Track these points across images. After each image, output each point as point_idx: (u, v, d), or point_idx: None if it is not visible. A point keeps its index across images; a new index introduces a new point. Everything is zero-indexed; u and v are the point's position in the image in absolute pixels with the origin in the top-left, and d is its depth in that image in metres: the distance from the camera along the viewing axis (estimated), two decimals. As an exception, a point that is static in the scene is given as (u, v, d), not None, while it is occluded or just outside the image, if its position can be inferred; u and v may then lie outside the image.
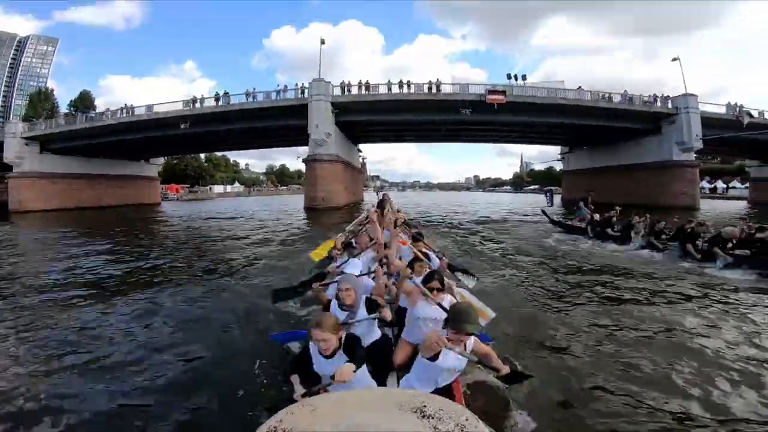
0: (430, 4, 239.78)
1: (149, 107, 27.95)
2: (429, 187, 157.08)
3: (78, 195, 33.72)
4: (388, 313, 2.83)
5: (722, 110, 28.64)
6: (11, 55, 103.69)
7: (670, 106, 27.62)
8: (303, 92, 25.81)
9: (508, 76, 27.41)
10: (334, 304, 2.95)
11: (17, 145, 30.88)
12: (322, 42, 27.14)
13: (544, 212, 16.51)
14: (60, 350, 4.34)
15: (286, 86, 26.00)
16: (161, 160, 44.62)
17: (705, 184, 56.78)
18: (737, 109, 28.32)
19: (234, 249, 11.65)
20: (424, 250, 4.63)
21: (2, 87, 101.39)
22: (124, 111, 28.55)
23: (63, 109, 55.30)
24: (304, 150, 31.37)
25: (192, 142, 33.70)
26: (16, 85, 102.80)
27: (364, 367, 2.26)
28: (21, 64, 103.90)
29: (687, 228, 9.10)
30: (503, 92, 25.23)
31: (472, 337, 2.35)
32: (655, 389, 3.30)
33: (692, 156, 27.70)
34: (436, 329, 2.58)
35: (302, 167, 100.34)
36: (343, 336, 2.22)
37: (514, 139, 37.37)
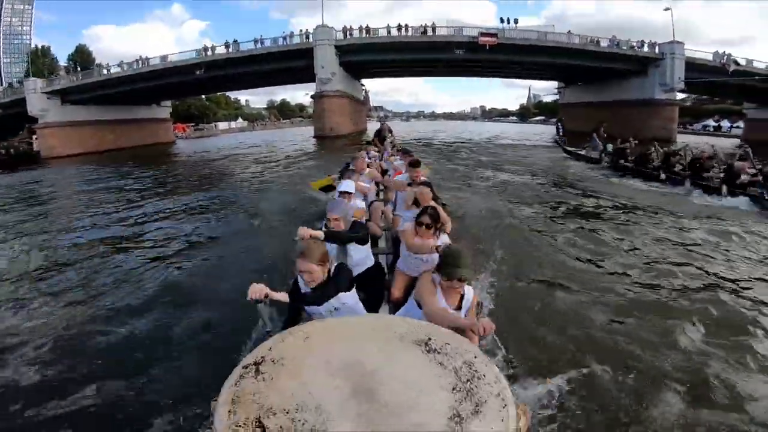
0: None
1: (163, 57, 30.46)
2: (434, 116, 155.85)
3: (99, 139, 36.73)
4: (376, 229, 2.86)
5: (709, 57, 30.59)
6: None
7: (657, 51, 29.59)
8: (308, 37, 28.03)
9: (501, 20, 29.24)
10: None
11: (40, 99, 33.91)
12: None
13: (557, 142, 17.54)
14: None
15: (292, 33, 28.35)
16: (170, 102, 47.00)
17: (711, 122, 58.94)
18: (724, 57, 30.27)
19: (271, 166, 16.25)
20: (421, 177, 4.38)
21: None
22: (140, 62, 30.95)
23: (62, 63, 57.13)
24: (312, 87, 34.17)
25: (204, 85, 36.36)
26: (1, 45, 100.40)
27: (354, 293, 2.23)
28: (1, 24, 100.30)
29: (699, 161, 9.29)
30: (495, 34, 27.30)
31: (470, 290, 2.20)
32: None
33: (674, 95, 30.26)
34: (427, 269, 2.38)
35: (304, 101, 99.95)
36: (332, 268, 2.15)
37: (506, 75, 39.44)
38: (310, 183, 7.11)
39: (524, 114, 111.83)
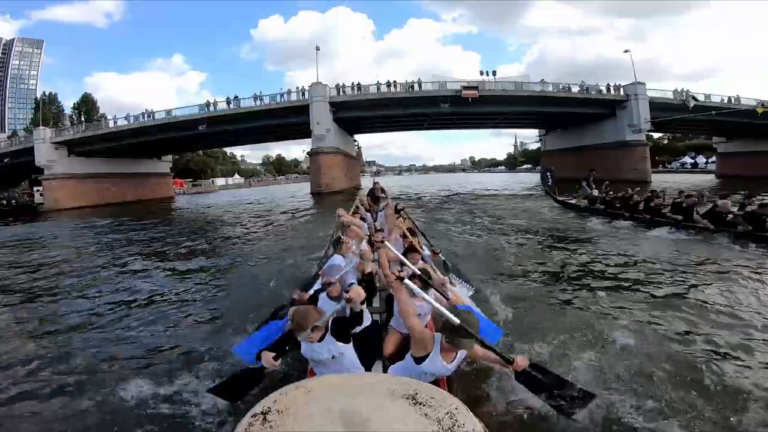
0: None
1: (168, 111, 32.94)
2: (425, 170, 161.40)
3: (103, 192, 38.14)
4: (359, 294, 2.72)
5: (670, 95, 33.56)
6: None
7: (622, 93, 32.56)
8: (303, 93, 30.70)
9: (481, 72, 32.45)
10: (322, 299, 3.12)
11: (48, 150, 35.28)
12: (318, 48, 32.06)
13: (548, 192, 17.37)
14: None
15: (289, 90, 31.09)
16: (170, 157, 49.27)
17: (687, 159, 62.48)
18: (683, 93, 33.28)
19: (270, 221, 17.00)
20: (401, 225, 4.69)
21: None
22: (145, 115, 33.34)
23: (67, 111, 60.15)
24: (307, 143, 36.26)
25: (205, 139, 38.71)
26: (7, 90, 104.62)
27: (353, 350, 2.49)
28: (9, 68, 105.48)
29: (683, 203, 9.53)
30: (476, 87, 30.17)
31: (463, 352, 2.35)
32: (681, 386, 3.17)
33: (642, 136, 32.80)
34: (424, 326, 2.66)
35: (298, 156, 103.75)
36: (330, 321, 2.39)
37: (490, 126, 42.57)
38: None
39: (512, 163, 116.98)
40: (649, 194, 11.04)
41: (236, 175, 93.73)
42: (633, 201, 11.17)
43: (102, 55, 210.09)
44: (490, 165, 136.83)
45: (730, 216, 8.37)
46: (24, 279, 8.70)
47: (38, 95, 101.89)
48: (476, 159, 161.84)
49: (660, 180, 31.83)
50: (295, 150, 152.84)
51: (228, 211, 23.58)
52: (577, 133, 38.17)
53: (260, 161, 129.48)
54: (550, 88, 31.83)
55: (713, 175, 44.49)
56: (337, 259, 4.16)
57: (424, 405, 1.47)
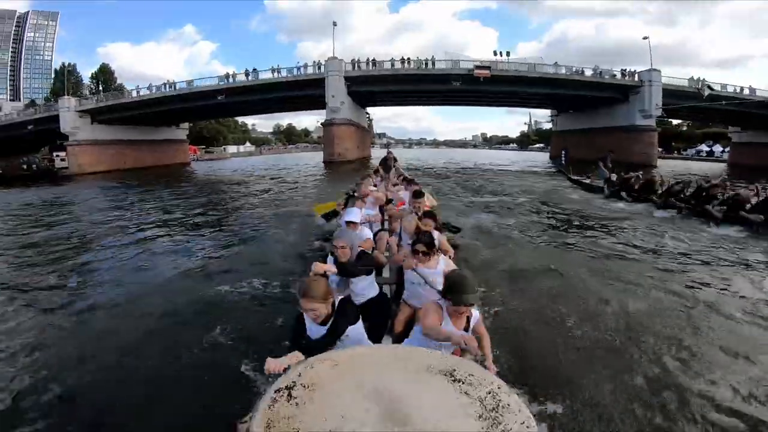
0: None
1: (189, 82, 34.28)
2: (435, 144, 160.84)
3: (124, 158, 39.97)
4: (381, 258, 3.02)
5: (685, 83, 33.88)
6: (13, 32, 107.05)
7: (636, 78, 32.95)
8: (320, 67, 31.74)
9: (494, 53, 33.00)
10: (330, 261, 3.01)
11: (72, 118, 37.09)
12: (335, 24, 32.71)
13: (561, 171, 17.64)
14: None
15: (305, 64, 32.31)
16: (186, 125, 50.75)
17: (704, 147, 62.19)
18: (699, 82, 33.57)
19: (289, 186, 18.79)
20: (425, 207, 4.61)
21: (8, 64, 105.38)
22: (167, 86, 34.70)
23: (85, 81, 61.57)
24: (320, 114, 37.54)
25: (223, 109, 40.09)
26: (23, 61, 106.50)
27: (360, 324, 2.33)
28: (24, 40, 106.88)
29: (704, 190, 9.51)
30: (488, 67, 30.85)
31: (476, 312, 2.31)
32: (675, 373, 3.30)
33: (653, 122, 33.38)
34: (431, 296, 2.60)
35: (309, 126, 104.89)
36: (336, 301, 2.24)
37: (501, 104, 43.15)
38: (314, 207, 7.06)
39: (524, 141, 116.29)
40: (673, 181, 11.06)
41: (247, 143, 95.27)
42: (654, 186, 11.24)
43: (115, 26, 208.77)
44: (502, 142, 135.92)
45: (748, 206, 8.31)
46: (67, 233, 10.02)
47: (54, 66, 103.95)
48: (488, 135, 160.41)
49: (666, 165, 32.68)
50: (305, 120, 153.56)
51: (250, 175, 25.64)
52: (589, 115, 38.69)
53: (271, 130, 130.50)
54: (563, 71, 32.36)
55: (725, 164, 45.12)
56: (351, 212, 3.94)
57: (463, 383, 1.39)
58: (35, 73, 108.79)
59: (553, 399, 2.98)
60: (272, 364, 1.81)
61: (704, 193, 9.56)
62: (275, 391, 1.34)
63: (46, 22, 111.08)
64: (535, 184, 18.56)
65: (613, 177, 13.38)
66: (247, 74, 33.01)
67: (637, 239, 7.84)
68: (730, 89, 34.97)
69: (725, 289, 5.25)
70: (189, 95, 33.91)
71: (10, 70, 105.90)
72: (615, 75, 33.28)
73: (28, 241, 9.21)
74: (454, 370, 1.44)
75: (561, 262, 6.39)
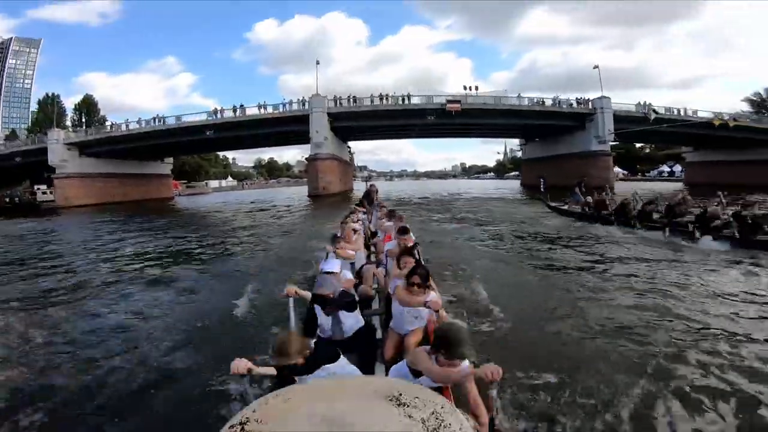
0: None
1: (178, 117, 36.64)
2: (416, 175, 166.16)
3: (110, 191, 41.10)
4: (371, 291, 3.30)
5: (633, 108, 38.17)
6: None
7: (590, 106, 37.09)
8: (304, 104, 34.67)
9: (464, 87, 36.89)
10: (317, 310, 3.19)
11: (60, 151, 38.29)
12: (317, 63, 36.22)
13: (540, 198, 18.22)
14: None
15: (291, 101, 35.06)
16: (171, 159, 52.58)
17: (665, 168, 67.62)
18: (645, 106, 37.95)
19: (276, 220, 20.42)
20: (410, 243, 4.74)
21: None
22: (156, 120, 36.99)
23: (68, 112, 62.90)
24: (302, 148, 39.97)
25: (210, 144, 42.34)
26: (2, 88, 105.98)
27: (342, 360, 2.45)
28: (6, 67, 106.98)
29: (673, 208, 10.03)
30: (459, 101, 34.44)
31: (465, 364, 2.18)
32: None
33: (607, 147, 37.24)
34: (421, 327, 3.06)
35: (290, 160, 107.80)
36: (312, 345, 2.38)
37: (474, 136, 47.12)
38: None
39: (500, 170, 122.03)
40: (645, 201, 11.82)
41: (229, 178, 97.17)
42: (627, 208, 11.86)
43: (94, 56, 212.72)
44: (480, 171, 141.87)
45: (718, 221, 8.88)
46: (53, 264, 10.43)
47: (33, 95, 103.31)
48: (467, 165, 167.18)
49: (623, 188, 35.99)
50: (286, 154, 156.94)
51: (237, 211, 27.25)
52: (553, 143, 42.53)
53: (252, 164, 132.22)
54: (526, 102, 36.31)
55: (681, 183, 49.58)
56: (329, 263, 4.06)
57: (408, 406, 1.48)
58: (14, 100, 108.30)
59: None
60: (238, 364, 2.10)
61: (674, 211, 10.12)
62: (229, 427, 1.42)
63: (27, 50, 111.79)
64: (515, 211, 19.37)
65: (589, 200, 14.09)
66: (234, 110, 35.63)
67: (623, 259, 8.19)
68: (674, 112, 39.30)
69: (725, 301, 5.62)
70: (178, 130, 36.17)
71: None
72: (572, 104, 37.29)
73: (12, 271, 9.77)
74: (400, 395, 1.54)
75: (550, 284, 6.76)
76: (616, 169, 76.14)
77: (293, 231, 15.26)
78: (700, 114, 39.31)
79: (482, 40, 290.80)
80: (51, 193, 59.13)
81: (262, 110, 35.29)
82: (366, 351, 3.05)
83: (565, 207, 15.64)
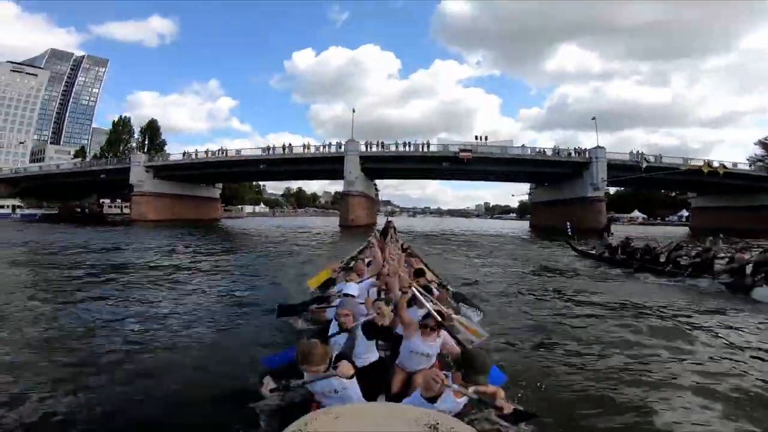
0: (442, 30, 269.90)
1: (238, 151, 46.81)
2: (439, 213, 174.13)
3: (172, 210, 50.02)
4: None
5: (626, 157, 44.48)
6: (67, 74, 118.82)
7: (587, 156, 44.05)
8: (340, 146, 43.87)
9: (476, 137, 45.37)
10: (333, 326, 3.49)
11: (140, 172, 48.15)
12: (353, 111, 45.56)
13: (569, 243, 18.32)
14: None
15: (330, 143, 44.57)
16: (220, 185, 62.74)
17: (684, 212, 71.77)
18: (638, 155, 44.45)
19: (320, 237, 28.65)
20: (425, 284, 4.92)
21: (56, 106, 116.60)
22: (221, 152, 47.11)
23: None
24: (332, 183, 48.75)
25: (260, 174, 52.31)
26: (69, 105, 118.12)
27: (355, 382, 2.65)
28: (75, 84, 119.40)
29: (703, 255, 10.48)
30: (470, 150, 42.73)
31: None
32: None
33: (601, 193, 43.62)
34: (428, 366, 3.18)
35: (317, 190, 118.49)
36: (333, 357, 2.62)
37: (484, 179, 55.30)
38: (308, 282, 7.30)
39: (524, 210, 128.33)
40: (673, 246, 12.14)
41: (261, 204, 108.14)
42: (654, 253, 12.35)
43: (146, 75, 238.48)
44: (503, 212, 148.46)
45: (749, 268, 9.15)
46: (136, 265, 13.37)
47: (95, 112, 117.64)
48: (490, 205, 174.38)
49: (620, 230, 41.97)
50: (313, 184, 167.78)
51: (287, 232, 35.46)
52: (557, 188, 49.22)
53: (281, 192, 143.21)
54: (528, 152, 44.20)
55: (688, 228, 54.28)
56: (349, 287, 4.69)
57: None
58: (78, 117, 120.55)
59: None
60: (266, 385, 2.40)
61: (701, 258, 10.57)
62: None
63: (96, 68, 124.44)
64: (539, 253, 19.92)
65: (612, 243, 14.70)
66: (283, 148, 45.37)
67: (656, 310, 7.92)
68: (666, 161, 44.83)
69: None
70: (238, 161, 46.16)
71: (56, 113, 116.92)
72: (570, 153, 44.40)
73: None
74: (438, 424, 1.71)
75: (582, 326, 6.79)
76: (636, 213, 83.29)
77: (336, 243, 22.97)
78: (692, 162, 44.97)
79: (511, 76, 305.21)
80: (115, 207, 70.78)
81: (306, 150, 44.81)
82: (375, 384, 3.22)
83: (592, 251, 16.12)
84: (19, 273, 11.26)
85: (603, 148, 44.02)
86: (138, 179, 48.44)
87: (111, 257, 15.28)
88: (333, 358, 2.59)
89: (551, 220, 47.45)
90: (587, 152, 44.31)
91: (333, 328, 3.57)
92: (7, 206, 54.39)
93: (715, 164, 43.07)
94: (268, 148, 46.01)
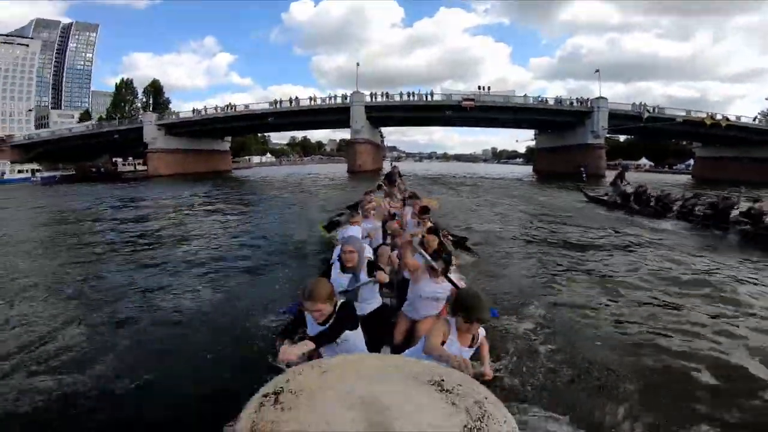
0: None
1: (246, 106, 48.50)
2: (446, 158, 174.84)
3: (185, 164, 51.99)
4: (384, 276, 3.16)
5: (628, 107, 45.96)
6: (57, 41, 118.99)
7: (589, 105, 45.38)
8: (346, 98, 45.32)
9: (478, 87, 46.30)
10: (336, 266, 3.35)
11: (152, 130, 50.16)
12: (357, 64, 46.48)
13: (581, 189, 18.78)
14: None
15: (335, 95, 45.86)
16: (229, 138, 64.59)
17: (692, 161, 72.78)
18: (641, 106, 45.79)
19: (333, 182, 31.48)
20: (430, 224, 4.79)
21: (51, 73, 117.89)
22: (229, 108, 48.80)
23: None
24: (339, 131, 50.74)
25: (268, 127, 54.32)
26: (65, 71, 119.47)
27: (360, 332, 2.57)
28: (67, 50, 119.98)
29: (722, 204, 10.50)
30: (473, 99, 44.03)
31: (482, 330, 2.50)
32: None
33: (602, 140, 45.51)
34: (436, 313, 3.12)
35: (322, 139, 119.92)
36: (338, 303, 2.48)
37: (487, 126, 56.79)
38: (319, 226, 7.53)
39: (531, 155, 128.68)
40: (686, 196, 12.34)
41: (268, 155, 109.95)
42: (668, 201, 12.58)
43: (139, 36, 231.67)
44: (510, 157, 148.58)
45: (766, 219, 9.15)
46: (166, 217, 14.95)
47: (92, 76, 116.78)
48: (498, 150, 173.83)
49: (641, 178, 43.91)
50: (317, 133, 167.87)
51: (301, 179, 38.36)
52: (560, 135, 50.93)
53: (286, 141, 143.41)
54: (531, 101, 45.37)
55: (690, 176, 56.19)
56: (351, 229, 4.75)
57: (451, 392, 1.46)
58: (76, 82, 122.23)
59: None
60: (286, 353, 2.05)
61: (719, 207, 10.56)
62: (263, 396, 1.44)
63: (87, 34, 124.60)
64: (554, 199, 20.37)
65: (629, 189, 14.79)
66: (290, 101, 46.98)
67: (666, 255, 8.17)
68: (669, 112, 46.49)
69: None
70: (247, 116, 47.96)
71: (53, 80, 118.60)
72: (572, 103, 45.86)
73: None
74: (443, 380, 1.54)
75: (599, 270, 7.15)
76: (643, 160, 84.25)
77: (347, 186, 26.09)
78: (694, 114, 46.59)
79: (522, 24, 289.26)
80: (129, 165, 73.56)
81: (312, 102, 46.32)
82: (378, 332, 3.16)
83: (605, 198, 16.39)
84: (67, 233, 12.05)
85: (605, 98, 45.58)
86: (151, 137, 50.41)
87: (142, 211, 16.99)
88: (338, 306, 2.48)
89: (554, 165, 49.85)
90: (589, 101, 45.69)
91: (336, 269, 3.37)
92: (27, 170, 56.93)
93: (718, 116, 44.42)
94: (276, 102, 47.63)
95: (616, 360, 4.00)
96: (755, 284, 6.56)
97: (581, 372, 3.76)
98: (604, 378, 3.66)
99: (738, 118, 47.13)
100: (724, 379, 3.72)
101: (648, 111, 45.40)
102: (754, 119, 49.48)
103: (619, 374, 3.71)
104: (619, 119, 45.27)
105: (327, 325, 2.40)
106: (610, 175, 41.78)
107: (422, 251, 3.46)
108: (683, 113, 46.72)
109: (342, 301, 2.54)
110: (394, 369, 1.66)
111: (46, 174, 56.04)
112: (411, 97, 45.08)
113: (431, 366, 1.71)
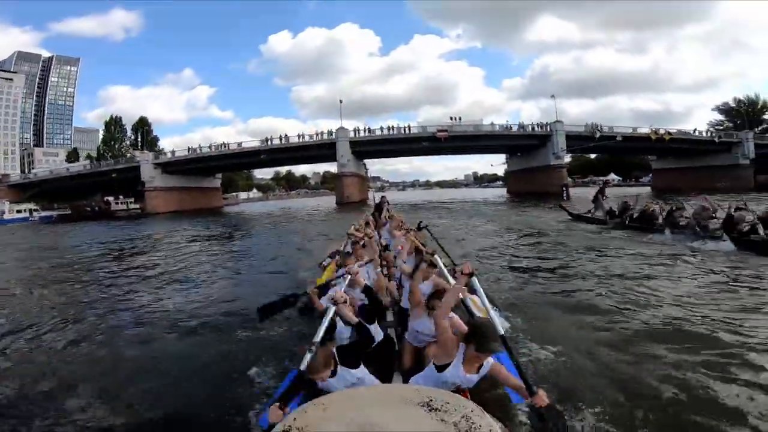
0: (420, 5, 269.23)
1: (239, 144, 53.63)
2: (428, 185, 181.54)
3: (181, 201, 55.93)
4: (351, 317, 3.24)
5: (581, 129, 52.28)
6: (38, 76, 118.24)
7: (548, 129, 51.64)
8: (331, 134, 50.89)
9: (451, 118, 52.77)
10: (339, 322, 3.45)
11: (149, 169, 54.22)
12: (341, 101, 52.60)
13: (561, 206, 19.40)
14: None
15: (322, 132, 51.56)
16: (220, 175, 69.19)
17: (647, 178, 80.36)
18: (592, 126, 52.20)
19: (323, 213, 36.27)
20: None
21: (32, 109, 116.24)
22: (222, 146, 53.88)
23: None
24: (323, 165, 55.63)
25: (259, 163, 59.30)
26: (46, 106, 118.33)
27: (362, 369, 2.75)
28: (48, 85, 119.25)
29: (701, 212, 11.06)
30: (446, 130, 50.15)
31: (491, 359, 2.57)
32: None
33: (562, 161, 51.71)
34: (431, 342, 3.16)
35: (307, 173, 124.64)
36: (335, 352, 2.70)
37: (462, 153, 62.99)
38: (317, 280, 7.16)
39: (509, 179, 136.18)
40: (671, 208, 12.63)
41: (254, 190, 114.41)
42: (651, 215, 12.87)
43: (116, 69, 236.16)
44: (491, 180, 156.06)
45: (746, 226, 9.74)
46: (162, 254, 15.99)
47: (74, 112, 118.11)
48: (479, 174, 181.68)
49: (578, 193, 49.42)
50: (301, 167, 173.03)
51: (292, 214, 42.72)
52: (526, 157, 56.98)
53: (271, 176, 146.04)
54: (497, 128, 51.83)
55: (650, 188, 61.89)
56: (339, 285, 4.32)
57: (439, 410, 1.65)
58: (57, 118, 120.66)
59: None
60: (273, 414, 2.20)
61: (699, 216, 11.03)
62: None
63: (68, 68, 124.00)
64: (536, 219, 20.99)
65: (613, 208, 15.25)
66: (280, 138, 52.45)
67: (654, 263, 8.71)
68: (618, 130, 52.69)
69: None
70: (241, 153, 53.11)
71: (34, 115, 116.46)
72: (534, 128, 52.17)
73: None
74: (431, 400, 1.73)
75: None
76: (612, 175, 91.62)
77: (341, 219, 29.70)
78: (640, 131, 53.46)
79: (493, 47, 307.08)
80: (122, 203, 76.98)
81: (300, 139, 51.92)
82: (385, 361, 3.36)
83: (588, 215, 16.92)
84: (62, 268, 13.27)
85: (561, 122, 52.04)
86: (149, 176, 54.45)
87: (145, 246, 18.98)
88: (337, 355, 2.66)
89: (525, 186, 55.64)
90: (548, 126, 51.99)
91: (340, 325, 3.43)
92: (25, 210, 60.16)
93: (661, 131, 50.95)
94: (267, 139, 52.97)
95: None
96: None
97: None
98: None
99: (679, 130, 54.14)
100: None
101: (599, 130, 51.75)
102: (694, 131, 56.21)
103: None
104: (576, 140, 51.24)
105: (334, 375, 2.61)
106: (575, 192, 47.94)
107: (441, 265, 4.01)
108: (629, 130, 53.74)
109: (338, 346, 2.90)
110: (386, 397, 1.96)
111: (43, 213, 59.34)
112: (391, 131, 51.00)
113: (419, 389, 1.95)
